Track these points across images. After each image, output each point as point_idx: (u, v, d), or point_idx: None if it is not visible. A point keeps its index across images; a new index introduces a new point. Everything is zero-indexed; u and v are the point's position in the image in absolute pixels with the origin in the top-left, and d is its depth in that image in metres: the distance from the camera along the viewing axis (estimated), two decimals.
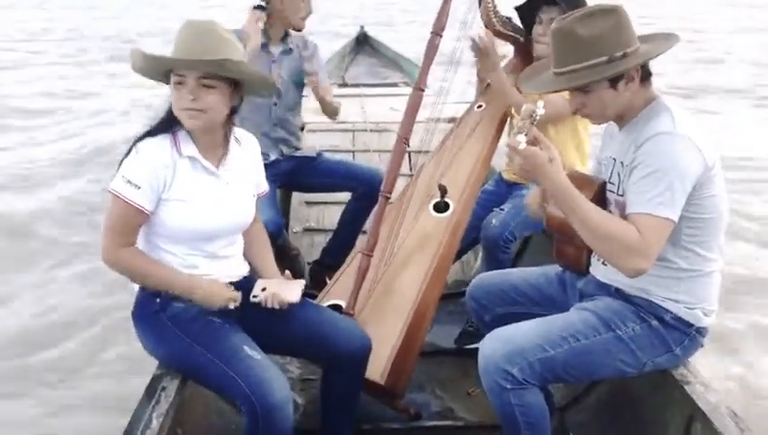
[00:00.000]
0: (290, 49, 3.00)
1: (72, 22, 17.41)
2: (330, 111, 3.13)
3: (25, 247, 4.58)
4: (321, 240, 3.54)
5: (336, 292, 2.36)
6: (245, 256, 2.04)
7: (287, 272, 2.04)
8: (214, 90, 1.77)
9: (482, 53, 2.68)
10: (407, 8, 20.76)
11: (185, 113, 1.77)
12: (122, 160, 1.81)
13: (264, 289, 1.92)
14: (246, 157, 1.97)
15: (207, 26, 1.78)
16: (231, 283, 1.92)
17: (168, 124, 1.83)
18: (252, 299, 1.91)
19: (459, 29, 2.60)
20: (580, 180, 1.79)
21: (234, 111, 1.87)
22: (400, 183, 2.58)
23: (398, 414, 2.27)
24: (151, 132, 1.82)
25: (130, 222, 1.79)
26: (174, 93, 1.77)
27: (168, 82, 1.81)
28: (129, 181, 1.76)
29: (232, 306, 1.85)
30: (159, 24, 15.24)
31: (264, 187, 2.08)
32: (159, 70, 1.80)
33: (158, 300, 1.85)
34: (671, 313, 1.77)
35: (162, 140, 1.81)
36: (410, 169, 3.96)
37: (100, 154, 6.36)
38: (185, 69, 1.74)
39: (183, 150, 1.82)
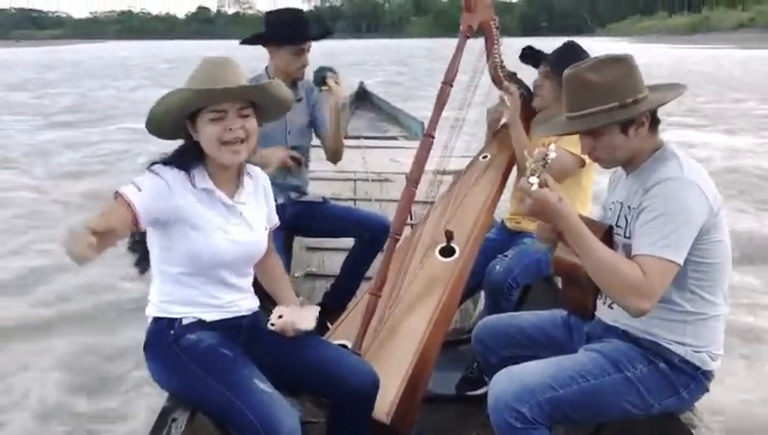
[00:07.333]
0: (300, 98, 3.06)
1: None
2: (339, 150, 3.14)
3: None
4: (323, 285, 3.54)
5: (342, 332, 2.38)
6: (265, 287, 2.07)
7: (302, 298, 2.05)
8: (250, 117, 1.85)
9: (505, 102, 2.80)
10: None
11: (227, 149, 1.81)
12: None
13: (280, 316, 1.94)
14: (258, 190, 2.03)
15: (227, 60, 1.85)
16: (242, 316, 1.95)
17: (185, 164, 1.84)
18: (269, 327, 1.93)
19: (468, 82, 2.71)
20: (587, 223, 1.84)
21: None
22: (404, 231, 2.62)
23: None
24: (166, 164, 1.83)
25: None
26: (213, 129, 1.80)
27: (178, 137, 1.86)
28: (134, 184, 1.74)
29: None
30: None
31: (275, 220, 2.12)
32: (190, 110, 1.80)
33: (171, 332, 1.87)
34: (678, 356, 1.80)
35: (178, 171, 1.83)
36: (411, 217, 4.01)
37: None
38: (231, 99, 1.79)
39: (198, 184, 1.85)
